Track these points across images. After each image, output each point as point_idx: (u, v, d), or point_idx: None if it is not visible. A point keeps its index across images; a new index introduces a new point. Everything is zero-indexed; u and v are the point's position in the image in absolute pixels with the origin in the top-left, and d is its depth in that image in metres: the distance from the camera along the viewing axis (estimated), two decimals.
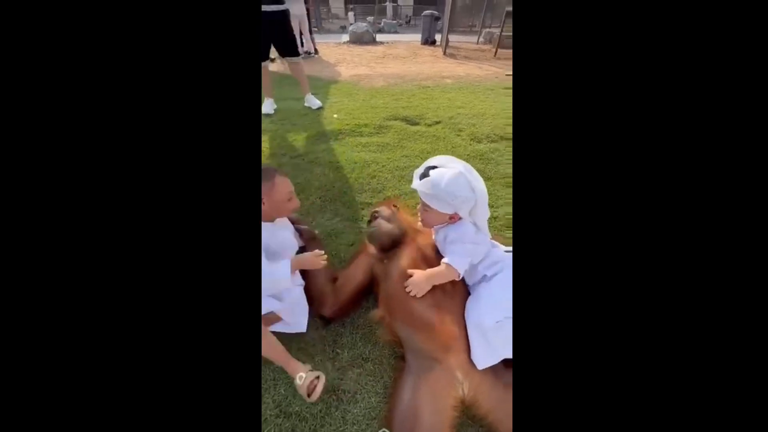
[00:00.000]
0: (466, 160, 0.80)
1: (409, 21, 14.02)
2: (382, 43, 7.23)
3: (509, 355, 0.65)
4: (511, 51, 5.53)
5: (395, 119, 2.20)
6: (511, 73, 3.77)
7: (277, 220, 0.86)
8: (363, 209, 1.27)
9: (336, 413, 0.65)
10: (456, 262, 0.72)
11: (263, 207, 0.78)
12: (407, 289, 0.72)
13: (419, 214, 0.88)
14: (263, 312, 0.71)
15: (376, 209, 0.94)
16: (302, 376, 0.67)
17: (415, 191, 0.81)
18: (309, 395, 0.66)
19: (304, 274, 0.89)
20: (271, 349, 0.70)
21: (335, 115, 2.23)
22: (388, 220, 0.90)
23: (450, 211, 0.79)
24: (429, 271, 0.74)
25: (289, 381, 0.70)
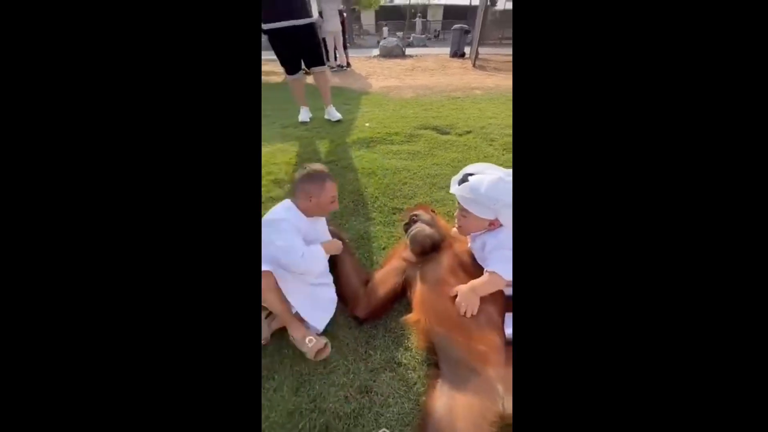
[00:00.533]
0: None
1: (438, 35, 14.27)
2: (411, 56, 7.40)
3: None
4: None
5: (425, 128, 2.22)
6: None
7: (315, 217, 0.90)
8: (394, 214, 1.28)
9: (369, 415, 0.65)
10: (501, 269, 0.70)
11: (309, 203, 0.82)
12: (458, 305, 0.70)
13: (456, 221, 0.87)
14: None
15: (415, 212, 0.95)
16: (311, 339, 0.74)
17: (447, 199, 0.81)
18: (314, 357, 0.72)
19: (337, 275, 0.91)
20: (276, 303, 0.75)
21: (367, 124, 2.30)
22: (428, 224, 0.90)
23: (491, 217, 0.77)
24: (473, 283, 0.72)
25: (324, 377, 0.71)
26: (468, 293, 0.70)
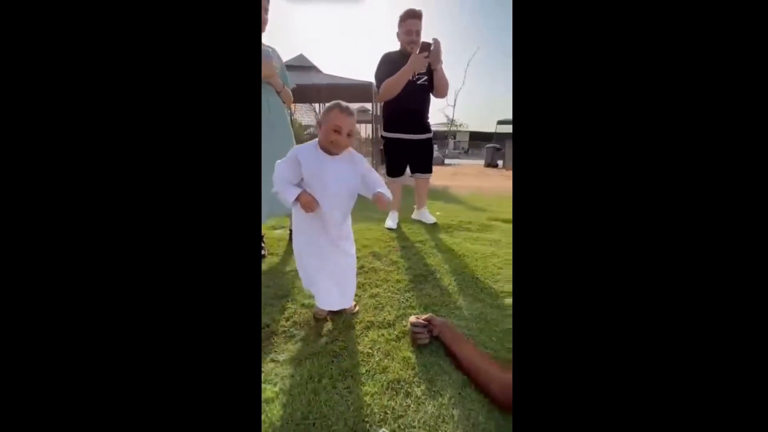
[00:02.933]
0: None
1: (468, 151, 16.94)
2: (449, 164, 8.68)
3: None
4: None
5: (494, 220, 2.35)
6: None
7: (344, 154, 0.90)
8: (504, 297, 1.23)
9: None
10: None
11: (320, 132, 0.88)
12: None
13: None
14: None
15: None
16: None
17: None
18: None
19: (479, 373, 0.81)
20: None
21: (437, 213, 2.51)
22: None
23: None
24: None
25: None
26: None
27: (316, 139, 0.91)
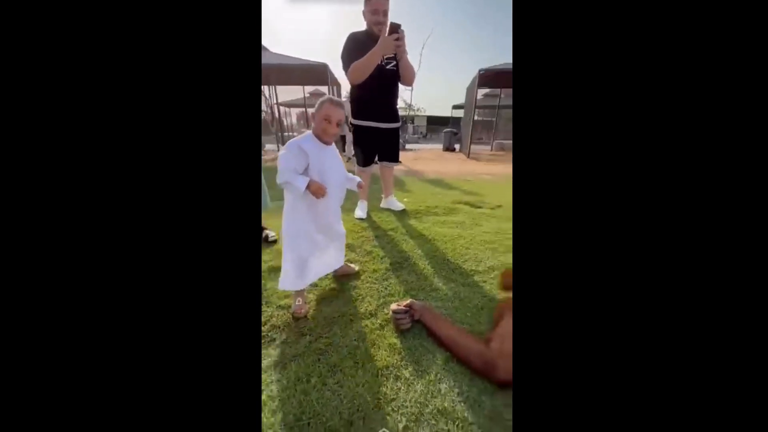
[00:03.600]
0: None
1: (426, 135, 17.33)
2: (410, 150, 8.81)
3: None
4: None
5: (459, 203, 2.49)
6: None
7: (326, 145, 0.98)
8: (473, 275, 1.33)
9: None
10: None
11: (314, 122, 0.96)
12: None
13: None
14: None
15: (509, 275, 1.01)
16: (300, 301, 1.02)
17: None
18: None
19: (455, 348, 0.88)
20: None
21: (405, 200, 2.56)
22: None
23: None
24: None
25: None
26: None
27: (309, 131, 0.98)
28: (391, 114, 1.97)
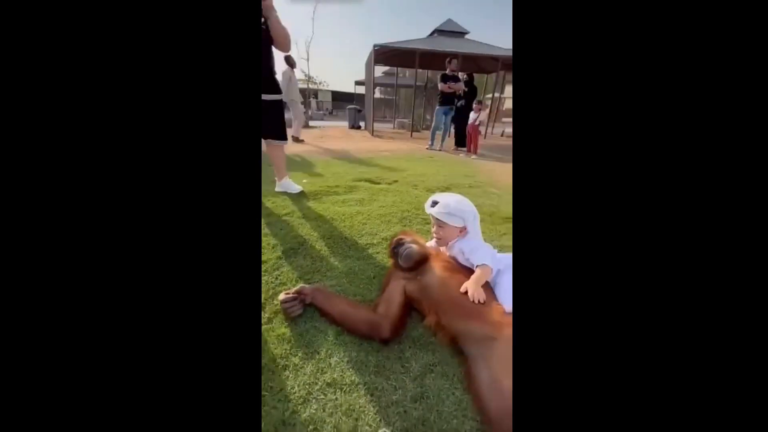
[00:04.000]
0: None
1: (332, 112, 16.65)
2: (315, 127, 8.29)
3: None
4: (420, 133, 7.30)
5: (359, 181, 2.54)
6: (429, 146, 4.91)
7: None
8: (368, 249, 1.40)
9: (431, 416, 0.68)
10: (488, 261, 0.95)
11: None
12: (471, 297, 0.87)
13: (435, 235, 1.11)
14: None
15: (400, 237, 1.12)
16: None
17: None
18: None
19: (341, 317, 0.92)
20: None
21: (304, 180, 2.42)
22: (414, 243, 1.08)
23: (461, 225, 1.05)
24: (472, 278, 0.93)
25: (376, 401, 0.70)
26: (475, 286, 0.90)
27: None
28: (267, 83, 1.75)
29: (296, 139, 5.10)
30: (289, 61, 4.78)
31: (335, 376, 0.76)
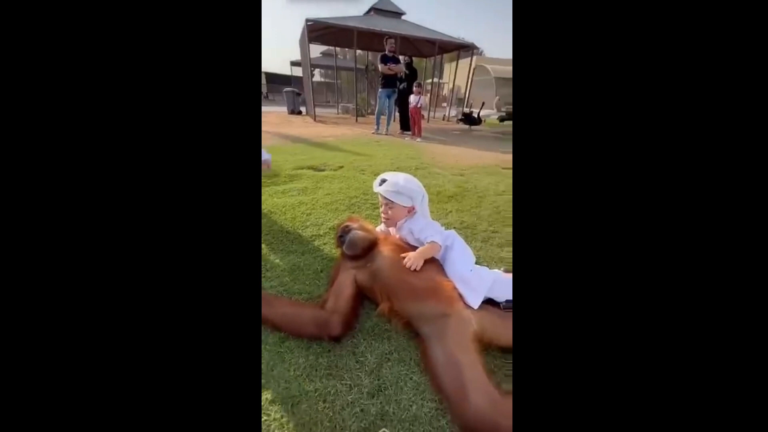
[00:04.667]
0: None
1: (267, 96, 15.09)
2: None
3: (489, 294, 0.88)
4: (365, 118, 7.13)
5: (302, 168, 2.34)
6: (375, 131, 4.82)
7: None
8: (314, 240, 1.28)
9: (390, 408, 0.64)
10: (437, 238, 0.93)
11: None
12: (406, 264, 0.84)
13: (383, 215, 1.05)
14: None
15: (345, 224, 1.03)
16: None
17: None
18: None
19: (284, 321, 0.82)
20: None
21: None
22: (360, 229, 1.01)
23: (409, 204, 1.01)
24: (419, 250, 0.90)
25: (331, 402, 0.62)
26: (415, 256, 0.88)
27: None
28: None
29: None
30: None
31: (279, 390, 0.66)
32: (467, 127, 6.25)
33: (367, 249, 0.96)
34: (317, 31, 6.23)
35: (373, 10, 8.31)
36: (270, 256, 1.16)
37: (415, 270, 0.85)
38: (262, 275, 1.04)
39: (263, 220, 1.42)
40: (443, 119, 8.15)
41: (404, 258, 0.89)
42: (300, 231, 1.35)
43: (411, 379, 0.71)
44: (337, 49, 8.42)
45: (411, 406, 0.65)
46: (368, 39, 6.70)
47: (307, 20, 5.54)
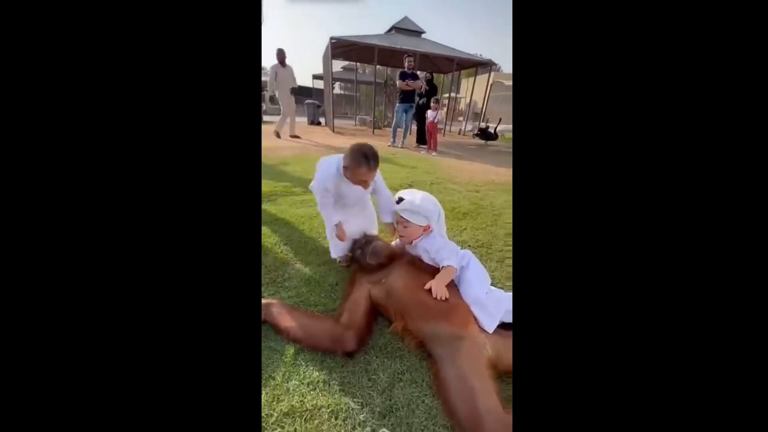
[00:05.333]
0: None
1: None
2: (270, 122, 7.74)
3: (505, 317, 0.87)
4: (381, 131, 7.30)
5: None
6: (391, 143, 4.91)
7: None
8: (329, 254, 1.32)
9: (401, 431, 0.64)
10: (452, 261, 0.94)
11: (346, 169, 1.05)
12: (436, 296, 0.85)
13: (399, 233, 1.07)
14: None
15: (365, 236, 1.06)
16: None
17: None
18: None
19: (301, 334, 0.84)
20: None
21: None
22: (379, 240, 1.04)
23: (425, 223, 1.03)
24: (439, 277, 0.91)
25: (341, 425, 0.63)
26: (439, 284, 0.88)
27: (339, 158, 1.07)
28: None
29: (277, 135, 4.93)
30: (279, 56, 4.45)
31: (294, 403, 0.67)
32: (483, 142, 6.25)
33: (390, 258, 0.98)
34: (340, 48, 6.52)
35: (395, 28, 8.61)
36: (287, 266, 1.20)
37: (442, 298, 0.85)
38: (281, 286, 1.07)
39: (283, 230, 1.47)
40: (459, 133, 8.19)
41: (427, 286, 0.89)
42: (318, 243, 1.39)
43: (423, 401, 0.70)
44: (358, 63, 8.75)
45: (423, 430, 0.64)
46: (388, 55, 6.94)
47: (332, 38, 5.84)
